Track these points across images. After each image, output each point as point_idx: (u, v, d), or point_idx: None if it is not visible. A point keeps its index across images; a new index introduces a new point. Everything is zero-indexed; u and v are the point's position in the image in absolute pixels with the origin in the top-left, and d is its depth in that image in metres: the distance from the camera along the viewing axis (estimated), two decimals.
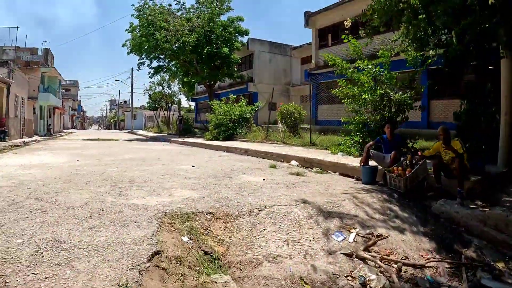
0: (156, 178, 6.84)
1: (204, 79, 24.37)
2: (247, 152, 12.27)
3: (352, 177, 7.57)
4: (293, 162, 9.49)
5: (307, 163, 9.16)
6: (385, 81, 8.79)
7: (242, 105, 19.43)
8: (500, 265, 4.57)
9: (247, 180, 6.79)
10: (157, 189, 5.85)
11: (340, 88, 9.65)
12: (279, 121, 16.04)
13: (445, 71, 7.87)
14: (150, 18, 22.23)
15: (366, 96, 8.72)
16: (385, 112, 8.63)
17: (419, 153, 6.27)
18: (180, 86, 34.52)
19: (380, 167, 6.99)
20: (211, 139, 18.47)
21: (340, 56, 10.23)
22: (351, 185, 6.58)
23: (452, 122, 8.44)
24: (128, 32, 23.40)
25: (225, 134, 18.21)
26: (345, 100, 9.65)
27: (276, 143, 14.64)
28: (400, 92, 8.43)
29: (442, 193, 6.06)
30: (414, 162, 6.61)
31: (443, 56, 7.47)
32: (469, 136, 7.39)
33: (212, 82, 25.80)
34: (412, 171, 6.18)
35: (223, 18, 23.84)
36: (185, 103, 50.28)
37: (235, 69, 25.42)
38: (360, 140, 9.24)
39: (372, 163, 7.16)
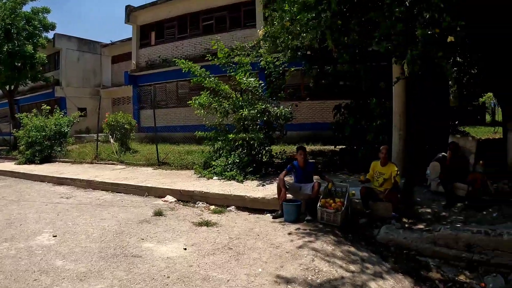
0: None
1: (4, 84, 18.87)
2: (91, 185, 9.27)
3: (259, 212, 6.63)
4: (169, 198, 7.63)
5: (187, 198, 7.53)
6: (257, 92, 8.36)
7: (58, 117, 15.44)
8: (462, 277, 4.75)
9: (160, 254, 4.69)
10: None
11: (199, 98, 8.68)
12: (109, 135, 13.35)
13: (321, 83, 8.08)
14: None
15: (245, 112, 7.95)
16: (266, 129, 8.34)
17: (361, 177, 5.88)
18: None
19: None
20: (25, 163, 13.94)
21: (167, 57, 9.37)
22: (285, 230, 5.59)
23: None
24: None
25: (42, 155, 14.05)
26: (201, 112, 8.84)
27: (113, 164, 11.83)
28: (281, 106, 8.08)
29: (372, 218, 5.89)
30: (333, 190, 6.25)
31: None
32: (355, 149, 7.65)
33: (12, 87, 20.03)
34: (345, 203, 5.77)
35: (26, 8, 18.65)
36: None
37: (40, 70, 20.34)
38: (237, 160, 8.31)
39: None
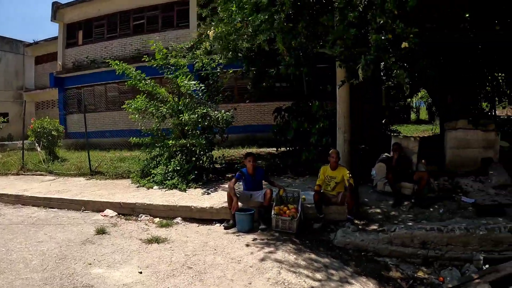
0: None
1: None
2: (20, 200, 7.78)
3: (208, 223, 6.13)
4: (109, 212, 6.69)
5: (129, 210, 6.70)
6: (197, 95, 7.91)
7: None
8: (421, 274, 4.83)
9: (114, 281, 3.90)
10: None
11: (134, 102, 8.01)
12: (35, 142, 11.73)
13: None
14: None
15: (186, 117, 7.40)
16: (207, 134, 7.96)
17: (316, 188, 5.67)
18: None
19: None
20: None
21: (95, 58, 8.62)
22: (241, 242, 5.16)
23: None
24: None
25: None
26: (136, 116, 8.17)
27: (42, 174, 10.19)
28: (222, 110, 7.68)
29: (326, 222, 5.79)
30: (284, 196, 6.05)
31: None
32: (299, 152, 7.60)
33: None
34: (299, 209, 5.58)
35: None
36: None
37: None
38: (178, 168, 7.68)
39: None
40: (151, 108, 7.79)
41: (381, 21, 4.72)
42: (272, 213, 5.59)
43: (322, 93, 7.67)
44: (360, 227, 5.57)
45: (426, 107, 14.74)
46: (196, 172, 7.57)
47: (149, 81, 8.11)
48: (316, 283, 4.03)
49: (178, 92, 8.13)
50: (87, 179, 9.07)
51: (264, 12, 5.26)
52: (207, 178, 7.91)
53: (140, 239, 5.30)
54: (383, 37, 4.74)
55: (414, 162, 6.50)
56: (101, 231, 5.60)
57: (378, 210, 6.07)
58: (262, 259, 4.57)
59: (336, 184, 5.86)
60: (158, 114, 7.94)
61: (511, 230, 4.64)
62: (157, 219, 6.42)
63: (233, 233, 5.59)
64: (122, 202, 6.84)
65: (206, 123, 7.47)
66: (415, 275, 4.75)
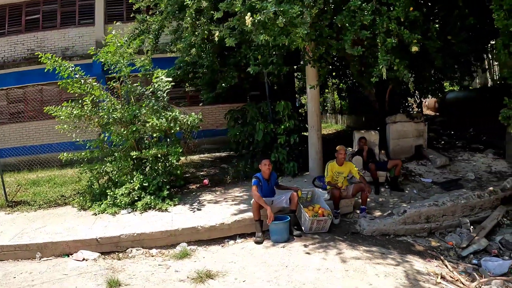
0: None
1: None
2: None
3: (217, 243, 5.57)
4: (86, 254, 5.10)
5: (111, 247, 5.32)
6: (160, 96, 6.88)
7: None
8: (434, 243, 5.71)
9: None
10: None
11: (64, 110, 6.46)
12: None
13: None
14: None
15: (154, 122, 6.30)
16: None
17: (330, 184, 5.97)
18: None
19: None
20: None
21: None
22: (298, 253, 4.99)
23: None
24: None
25: None
26: (65, 127, 6.65)
27: None
28: (193, 113, 6.86)
29: (340, 215, 6.21)
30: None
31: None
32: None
33: None
34: (327, 207, 5.82)
35: None
36: None
37: None
38: (146, 184, 6.49)
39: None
40: (103, 113, 6.16)
41: (390, 27, 5.33)
42: (306, 216, 5.57)
43: (283, 94, 7.83)
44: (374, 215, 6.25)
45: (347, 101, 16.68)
46: (168, 187, 6.52)
47: (90, 80, 6.36)
48: (396, 268, 4.48)
49: (126, 95, 6.70)
50: (7, 213, 6.51)
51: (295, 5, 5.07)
52: (181, 191, 6.95)
53: (183, 280, 4.33)
54: (391, 41, 5.34)
55: (376, 153, 7.64)
56: (115, 284, 4.21)
57: (368, 199, 6.87)
58: (344, 261, 4.66)
59: (344, 179, 6.31)
60: (103, 121, 6.34)
61: (479, 196, 6.23)
62: (155, 251, 5.34)
63: (273, 245, 5.29)
64: (99, 237, 5.33)
65: (177, 128, 6.49)
66: (431, 245, 5.78)
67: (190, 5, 6.60)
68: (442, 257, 5.25)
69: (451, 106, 12.71)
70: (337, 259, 4.71)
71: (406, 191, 7.02)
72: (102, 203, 6.29)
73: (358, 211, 6.44)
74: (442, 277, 4.52)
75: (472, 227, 5.99)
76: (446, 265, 5.01)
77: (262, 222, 5.57)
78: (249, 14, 4.80)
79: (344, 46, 5.52)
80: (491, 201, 6.24)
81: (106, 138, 6.65)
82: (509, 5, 4.90)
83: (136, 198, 6.27)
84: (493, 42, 7.53)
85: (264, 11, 4.87)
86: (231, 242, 5.64)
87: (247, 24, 4.78)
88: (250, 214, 5.80)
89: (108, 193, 6.32)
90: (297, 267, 4.54)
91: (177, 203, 6.44)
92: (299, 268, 4.52)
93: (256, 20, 4.80)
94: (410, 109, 11.01)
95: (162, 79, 6.40)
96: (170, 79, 6.63)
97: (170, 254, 5.16)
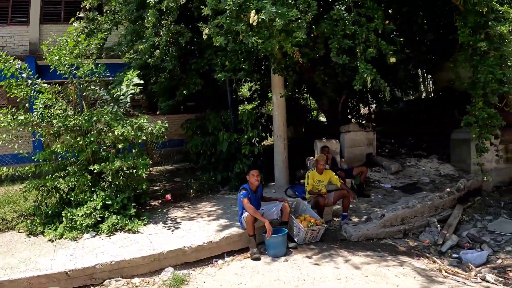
0: None
1: None
2: None
3: (204, 263, 4.97)
4: None
5: (84, 280, 4.30)
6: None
7: None
8: (411, 243, 6.03)
9: None
10: None
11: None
12: None
13: None
14: None
15: (121, 130, 5.36)
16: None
17: (307, 196, 5.87)
18: None
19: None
20: None
21: None
22: (305, 265, 4.71)
23: None
24: None
25: None
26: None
27: None
28: (159, 121, 6.06)
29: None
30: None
31: None
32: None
33: None
34: (318, 216, 5.69)
35: None
36: None
37: None
38: (109, 202, 5.43)
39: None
40: (57, 120, 4.98)
41: (370, 38, 5.57)
42: (300, 226, 5.29)
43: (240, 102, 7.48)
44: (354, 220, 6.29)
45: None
46: (134, 204, 5.57)
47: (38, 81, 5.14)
48: (405, 268, 4.56)
49: (80, 100, 5.57)
50: None
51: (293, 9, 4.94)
52: (143, 208, 6.03)
53: None
54: (373, 51, 5.57)
55: (338, 161, 7.78)
56: None
57: (339, 206, 6.89)
58: (357, 268, 4.56)
59: (324, 187, 6.23)
60: (53, 130, 5.15)
61: (441, 197, 6.78)
62: (137, 280, 4.47)
63: (273, 260, 4.89)
64: (69, 270, 4.25)
65: (144, 138, 5.62)
66: (410, 245, 6.02)
67: (152, 4, 6.02)
68: (428, 255, 5.50)
69: (388, 116, 13.50)
70: (349, 267, 4.56)
71: (372, 197, 7.29)
72: (57, 227, 5.08)
73: (336, 219, 6.43)
74: (445, 271, 4.70)
75: (439, 225, 6.44)
76: (434, 261, 5.25)
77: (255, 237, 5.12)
78: (253, 12, 4.47)
79: (318, 54, 5.60)
80: (450, 201, 6.84)
81: (56, 150, 5.37)
82: (473, 23, 5.49)
83: (99, 219, 5.19)
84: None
85: (263, 11, 4.61)
86: (220, 261, 5.06)
87: (251, 22, 4.43)
88: (236, 230, 5.38)
89: (63, 215, 5.10)
90: (315, 279, 4.23)
91: (146, 222, 5.56)
92: (318, 280, 4.22)
93: (260, 19, 4.48)
94: (361, 119, 11.58)
95: (132, 81, 5.50)
96: (142, 81, 5.73)
97: (160, 283, 4.33)
